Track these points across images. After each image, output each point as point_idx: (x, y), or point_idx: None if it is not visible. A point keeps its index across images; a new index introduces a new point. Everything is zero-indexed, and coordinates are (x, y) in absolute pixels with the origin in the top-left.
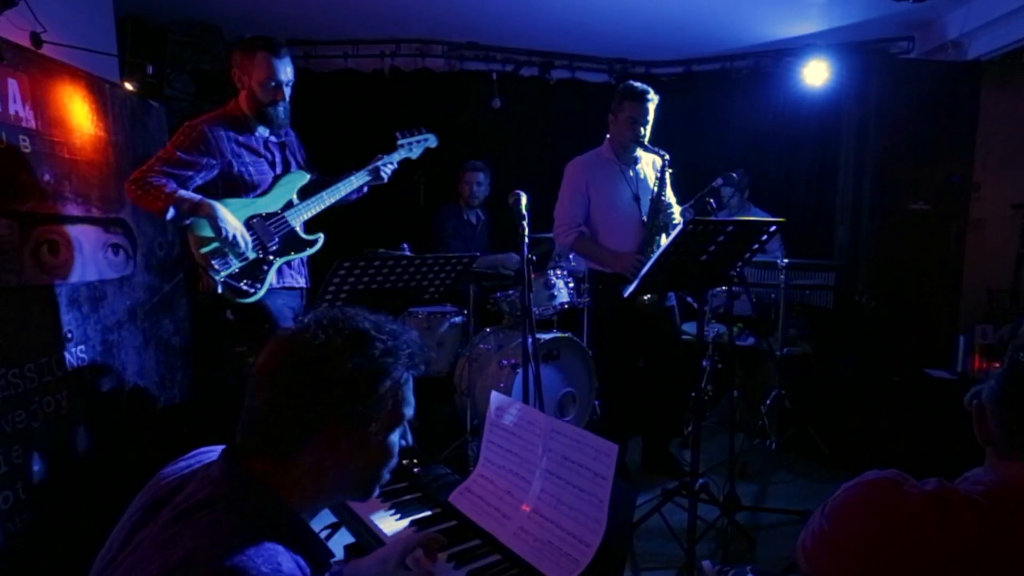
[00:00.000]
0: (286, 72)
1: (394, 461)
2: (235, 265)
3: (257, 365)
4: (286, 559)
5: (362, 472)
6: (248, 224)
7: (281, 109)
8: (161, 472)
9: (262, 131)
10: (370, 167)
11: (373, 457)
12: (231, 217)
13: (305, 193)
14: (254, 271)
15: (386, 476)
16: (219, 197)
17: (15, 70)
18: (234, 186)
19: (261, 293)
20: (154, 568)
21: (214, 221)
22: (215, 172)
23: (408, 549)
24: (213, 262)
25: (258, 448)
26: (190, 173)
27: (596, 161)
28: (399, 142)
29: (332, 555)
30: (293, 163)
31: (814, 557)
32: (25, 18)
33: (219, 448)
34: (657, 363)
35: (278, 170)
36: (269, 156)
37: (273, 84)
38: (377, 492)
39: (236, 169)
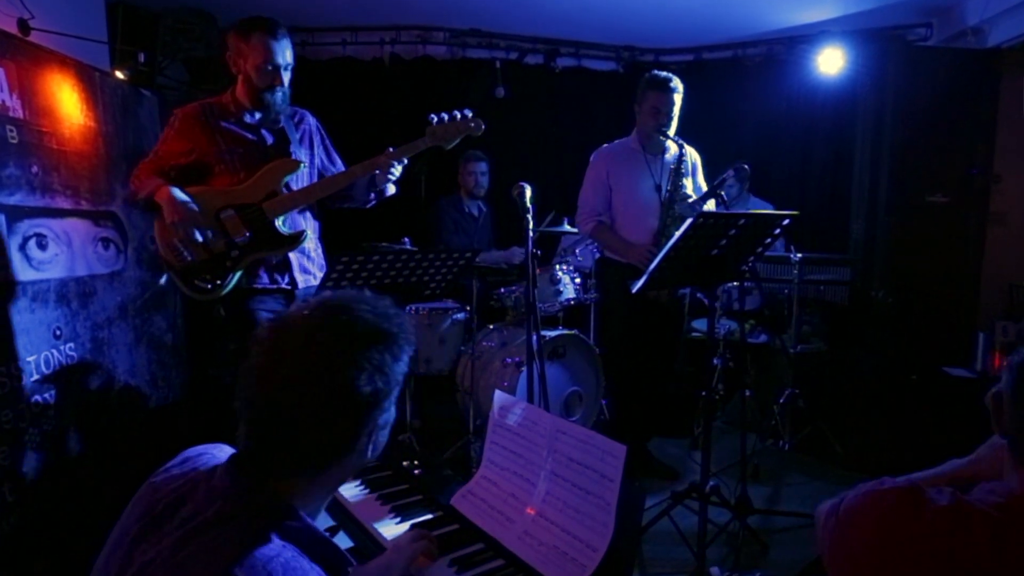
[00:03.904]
0: (284, 55)
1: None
2: (194, 255)
3: (267, 372)
4: (314, 571)
5: (367, 461)
6: (217, 216)
7: (280, 95)
8: (152, 480)
9: (253, 117)
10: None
11: (381, 446)
12: (181, 207)
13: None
14: (214, 267)
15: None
16: (196, 183)
17: (2, 58)
18: (211, 174)
19: (223, 291)
20: None
21: (166, 205)
22: (193, 159)
23: (413, 557)
24: (175, 246)
25: (283, 473)
26: (172, 162)
27: (621, 151)
28: (431, 122)
29: (351, 563)
30: (300, 152)
31: (830, 557)
32: (12, 4)
33: (211, 450)
34: (652, 358)
35: (271, 158)
36: (260, 143)
37: (270, 68)
38: None
39: (214, 156)
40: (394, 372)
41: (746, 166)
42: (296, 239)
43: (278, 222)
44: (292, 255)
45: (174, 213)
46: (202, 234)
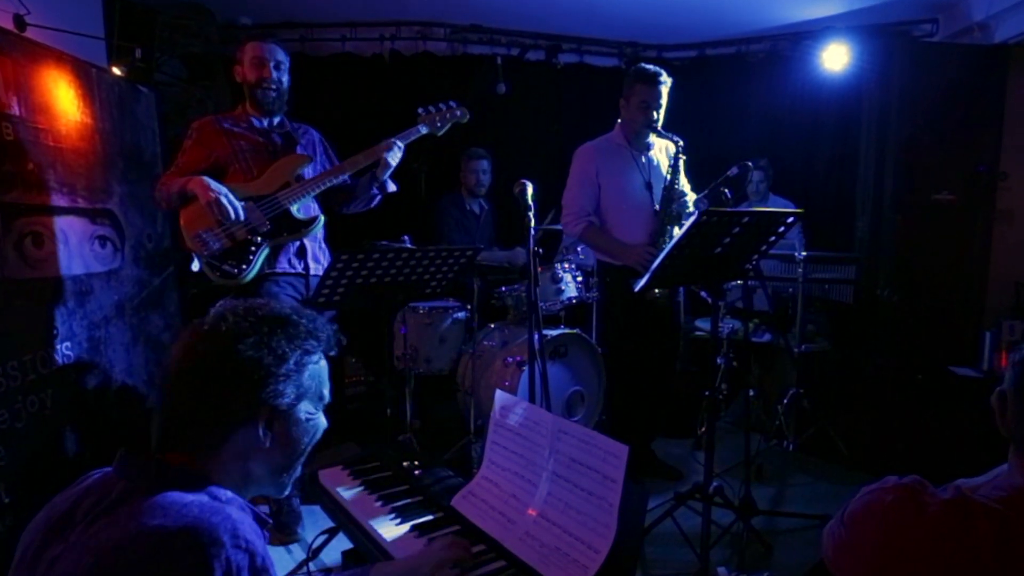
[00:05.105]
0: (272, 52)
1: (309, 446)
2: (219, 244)
3: (171, 362)
4: (233, 510)
5: (283, 459)
6: None
7: (272, 93)
8: (50, 503)
9: (262, 123)
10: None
11: (297, 442)
12: (216, 186)
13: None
14: (240, 253)
15: (298, 468)
16: None
17: None
18: (225, 175)
19: (249, 276)
20: (88, 560)
21: (200, 188)
22: (211, 163)
23: (442, 564)
24: (200, 237)
25: (175, 443)
26: (192, 169)
27: (607, 147)
28: (420, 115)
29: (268, 522)
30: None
31: (835, 564)
32: (9, 0)
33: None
34: (651, 359)
35: (280, 157)
36: (271, 144)
37: (258, 61)
38: (289, 488)
39: (228, 157)
40: (288, 355)
41: (750, 163)
42: (311, 223)
43: (293, 208)
44: (307, 243)
45: (209, 192)
46: (235, 209)
